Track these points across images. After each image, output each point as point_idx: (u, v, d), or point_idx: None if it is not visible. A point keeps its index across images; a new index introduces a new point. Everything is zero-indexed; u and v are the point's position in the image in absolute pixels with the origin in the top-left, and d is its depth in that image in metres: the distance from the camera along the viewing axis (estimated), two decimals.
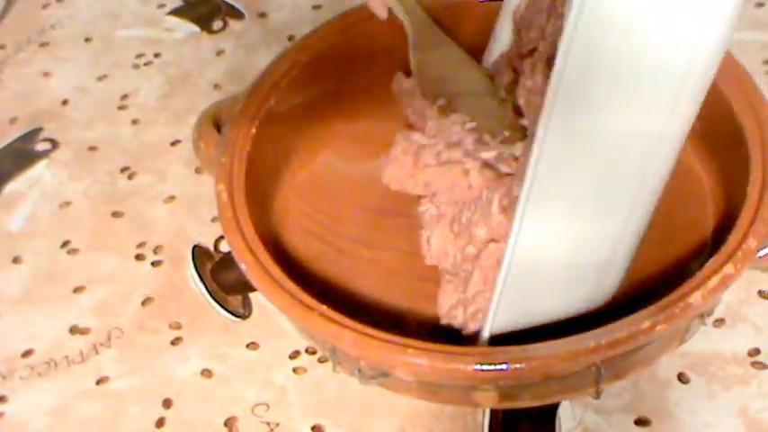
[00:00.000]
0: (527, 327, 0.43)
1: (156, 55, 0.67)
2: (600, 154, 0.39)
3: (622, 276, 0.44)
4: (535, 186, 0.39)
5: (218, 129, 0.50)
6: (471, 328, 0.45)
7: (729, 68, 0.47)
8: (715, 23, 0.35)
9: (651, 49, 0.36)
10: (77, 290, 0.54)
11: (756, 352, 0.47)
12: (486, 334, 0.43)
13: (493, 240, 0.45)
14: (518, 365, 0.39)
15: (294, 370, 0.49)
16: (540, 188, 0.39)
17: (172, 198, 0.58)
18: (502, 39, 0.52)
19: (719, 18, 0.35)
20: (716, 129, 0.48)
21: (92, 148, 0.61)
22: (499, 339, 0.43)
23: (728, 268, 0.41)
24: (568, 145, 0.38)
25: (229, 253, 0.46)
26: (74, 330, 0.52)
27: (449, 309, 0.46)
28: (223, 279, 0.53)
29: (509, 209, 0.44)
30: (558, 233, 0.41)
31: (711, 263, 0.41)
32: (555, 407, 0.46)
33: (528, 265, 0.41)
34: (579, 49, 0.36)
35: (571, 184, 0.40)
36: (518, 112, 0.49)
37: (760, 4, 0.63)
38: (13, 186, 0.60)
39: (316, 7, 0.69)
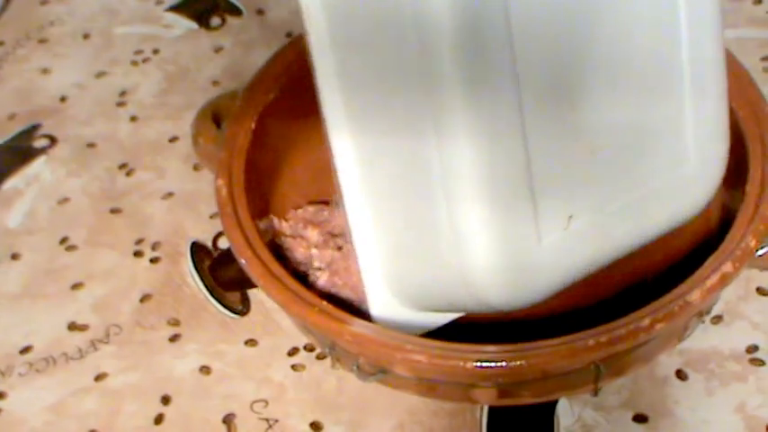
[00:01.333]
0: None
1: (155, 51, 0.67)
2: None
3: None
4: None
5: (218, 124, 0.50)
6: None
7: (727, 65, 0.47)
8: None
9: None
10: (76, 286, 0.54)
11: (754, 349, 0.47)
12: (373, 311, 0.43)
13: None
14: (517, 363, 0.39)
15: (293, 367, 0.49)
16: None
17: (170, 195, 0.58)
18: None
19: None
20: None
21: (90, 145, 0.61)
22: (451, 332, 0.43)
23: (727, 267, 0.41)
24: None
25: (228, 249, 0.46)
26: (72, 327, 0.52)
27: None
28: (221, 275, 0.53)
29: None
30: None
31: (710, 261, 0.41)
32: (553, 404, 0.46)
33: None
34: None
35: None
36: None
37: (758, 1, 0.63)
38: (11, 183, 0.60)
39: None
